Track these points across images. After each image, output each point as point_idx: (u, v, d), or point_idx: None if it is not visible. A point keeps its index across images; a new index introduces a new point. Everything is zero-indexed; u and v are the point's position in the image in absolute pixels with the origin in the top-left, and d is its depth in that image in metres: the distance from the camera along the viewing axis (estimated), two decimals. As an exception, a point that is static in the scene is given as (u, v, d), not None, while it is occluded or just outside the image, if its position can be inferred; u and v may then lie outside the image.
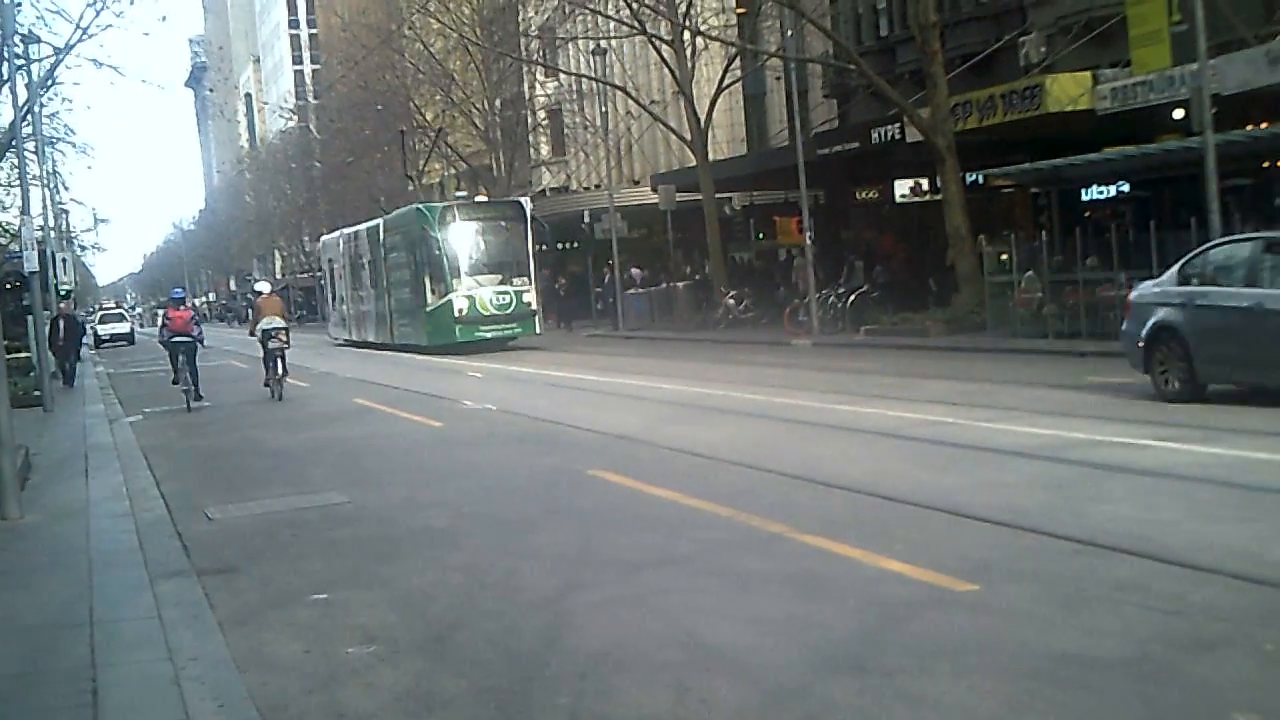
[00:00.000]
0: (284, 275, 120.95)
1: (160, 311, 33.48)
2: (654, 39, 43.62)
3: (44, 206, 48.14)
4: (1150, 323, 16.91)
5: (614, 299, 46.95)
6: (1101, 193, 30.81)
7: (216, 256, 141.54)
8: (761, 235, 51.91)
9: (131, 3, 75.83)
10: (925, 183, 39.12)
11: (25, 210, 28.54)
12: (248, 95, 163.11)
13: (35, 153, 41.06)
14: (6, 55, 30.07)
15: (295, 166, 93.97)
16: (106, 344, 75.92)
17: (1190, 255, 17.31)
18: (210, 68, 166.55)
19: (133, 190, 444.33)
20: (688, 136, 43.71)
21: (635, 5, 42.44)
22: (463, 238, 39.67)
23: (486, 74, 57.70)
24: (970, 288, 30.39)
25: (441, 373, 32.00)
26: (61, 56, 33.20)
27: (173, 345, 26.03)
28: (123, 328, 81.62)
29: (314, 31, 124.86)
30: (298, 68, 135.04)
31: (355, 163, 72.50)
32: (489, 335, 39.11)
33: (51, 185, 50.46)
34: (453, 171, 63.59)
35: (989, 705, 6.19)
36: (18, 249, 28.00)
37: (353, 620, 8.53)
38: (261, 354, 26.99)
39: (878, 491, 11.49)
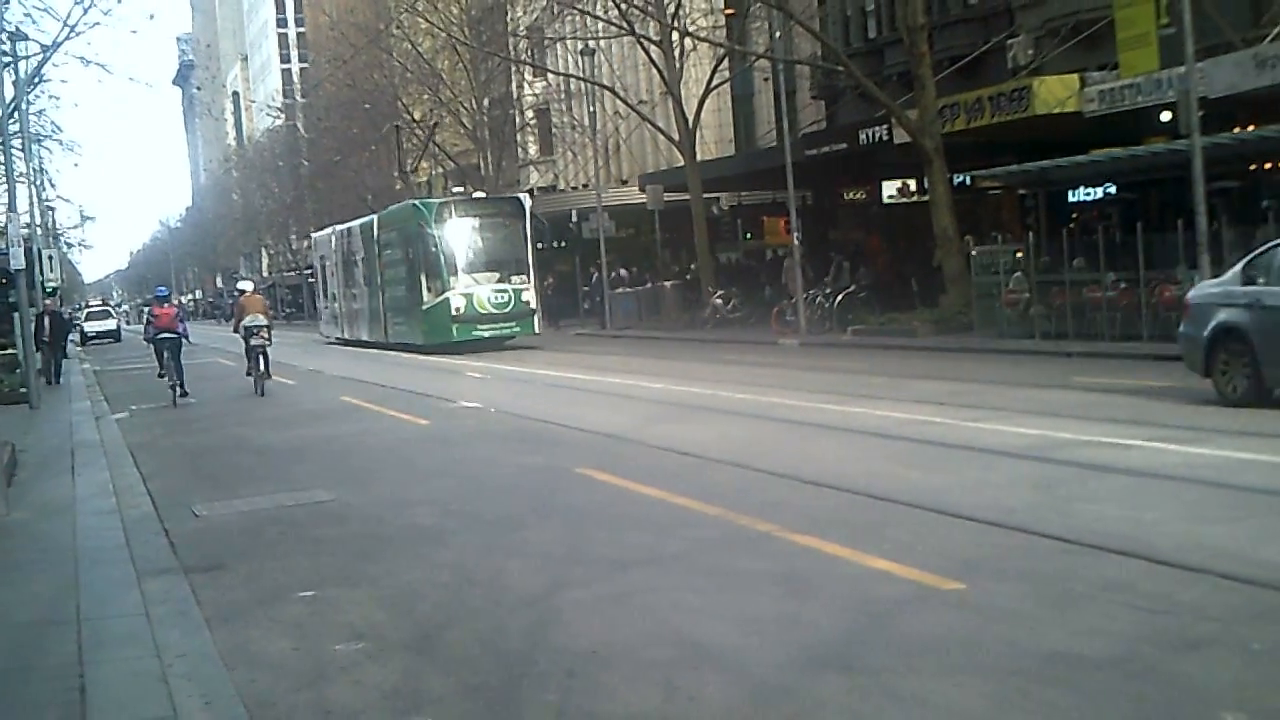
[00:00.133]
0: (271, 273, 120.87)
1: (146, 309, 33.50)
2: (642, 39, 43.63)
3: (30, 203, 48.08)
4: (1212, 324, 16.23)
5: (601, 298, 46.91)
6: (1089, 194, 30.87)
7: (203, 254, 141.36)
8: (749, 235, 51.96)
9: (120, 1, 75.47)
10: (913, 184, 39.21)
11: (11, 207, 28.53)
12: (235, 93, 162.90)
13: (22, 150, 40.99)
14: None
15: (283, 165, 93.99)
16: (93, 341, 75.78)
17: (1254, 254, 16.65)
18: (198, 66, 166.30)
19: (120, 188, 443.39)
20: (676, 137, 43.70)
21: (624, 6, 42.43)
22: (460, 234, 38.85)
23: (475, 73, 57.64)
24: (957, 288, 30.44)
25: (431, 371, 31.96)
26: (49, 54, 33.12)
27: (158, 342, 26.67)
28: (109, 325, 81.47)
29: (302, 30, 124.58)
30: (285, 66, 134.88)
31: (342, 161, 72.49)
32: (486, 334, 38.35)
33: (38, 182, 50.48)
34: (441, 170, 63.50)
35: (976, 704, 6.20)
36: (4, 246, 27.98)
37: (340, 618, 8.52)
38: (244, 350, 27.69)
39: (866, 490, 11.51)
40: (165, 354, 26.53)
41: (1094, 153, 27.93)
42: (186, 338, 27.46)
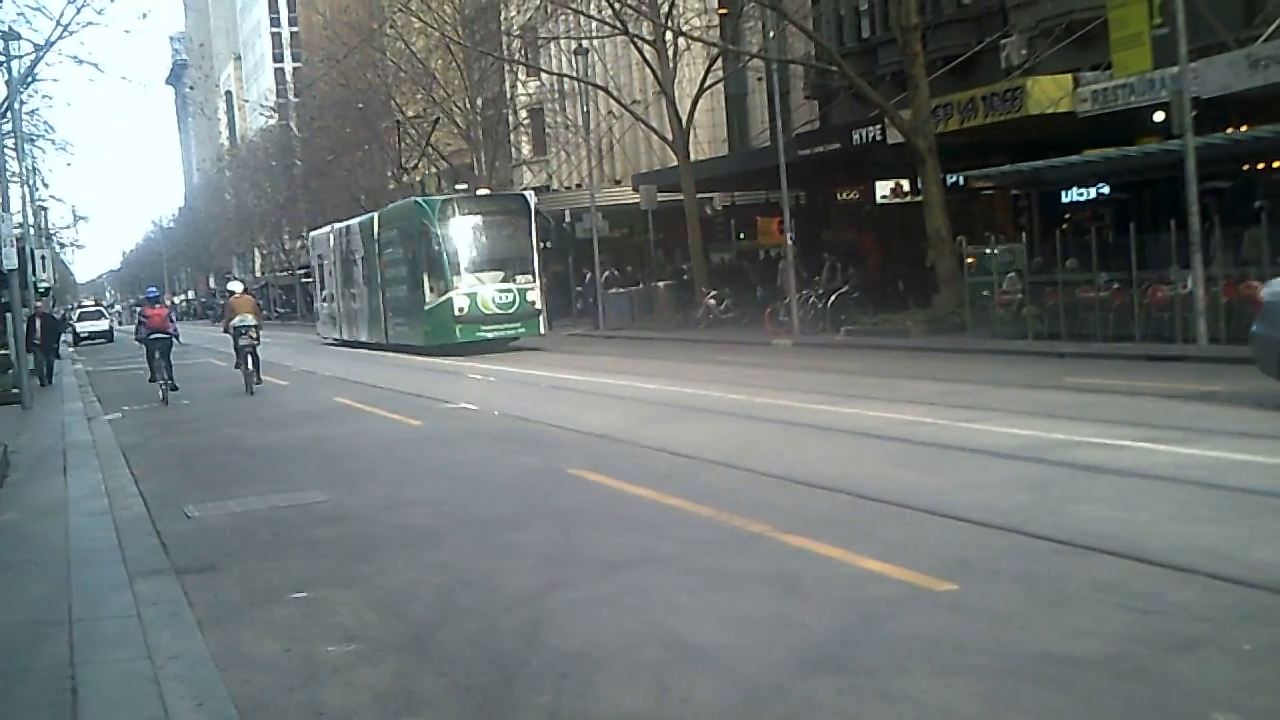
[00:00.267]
0: (264, 273, 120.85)
1: (138, 310, 33.62)
2: (636, 39, 43.62)
3: (23, 203, 48.10)
4: None
5: (594, 298, 46.89)
6: (1081, 195, 30.91)
7: (196, 254, 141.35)
8: (743, 235, 51.95)
9: (112, 0, 75.43)
10: (906, 184, 39.21)
11: (4, 207, 28.59)
12: (228, 93, 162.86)
13: (14, 149, 40.97)
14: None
15: (276, 164, 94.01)
16: (85, 341, 75.70)
17: None
18: (191, 65, 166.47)
19: (112, 187, 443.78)
20: (669, 136, 43.69)
21: (617, 5, 42.43)
22: (464, 232, 37.92)
23: (468, 73, 57.67)
24: (950, 288, 30.46)
25: (427, 372, 31.94)
26: (42, 53, 33.03)
27: (150, 342, 27.17)
28: (101, 325, 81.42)
29: (295, 29, 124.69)
30: (279, 65, 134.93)
31: (336, 161, 72.53)
32: (490, 336, 37.45)
33: (30, 182, 50.41)
34: (434, 170, 63.54)
35: (968, 704, 6.21)
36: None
37: (333, 619, 8.52)
38: (234, 349, 28.11)
39: (858, 491, 11.51)
40: (156, 353, 27.13)
41: (1087, 153, 27.95)
42: (177, 337, 28.08)
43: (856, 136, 34.60)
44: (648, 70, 45.86)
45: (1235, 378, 18.49)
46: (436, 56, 59.85)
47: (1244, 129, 25.21)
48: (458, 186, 43.70)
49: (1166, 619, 7.31)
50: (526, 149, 67.13)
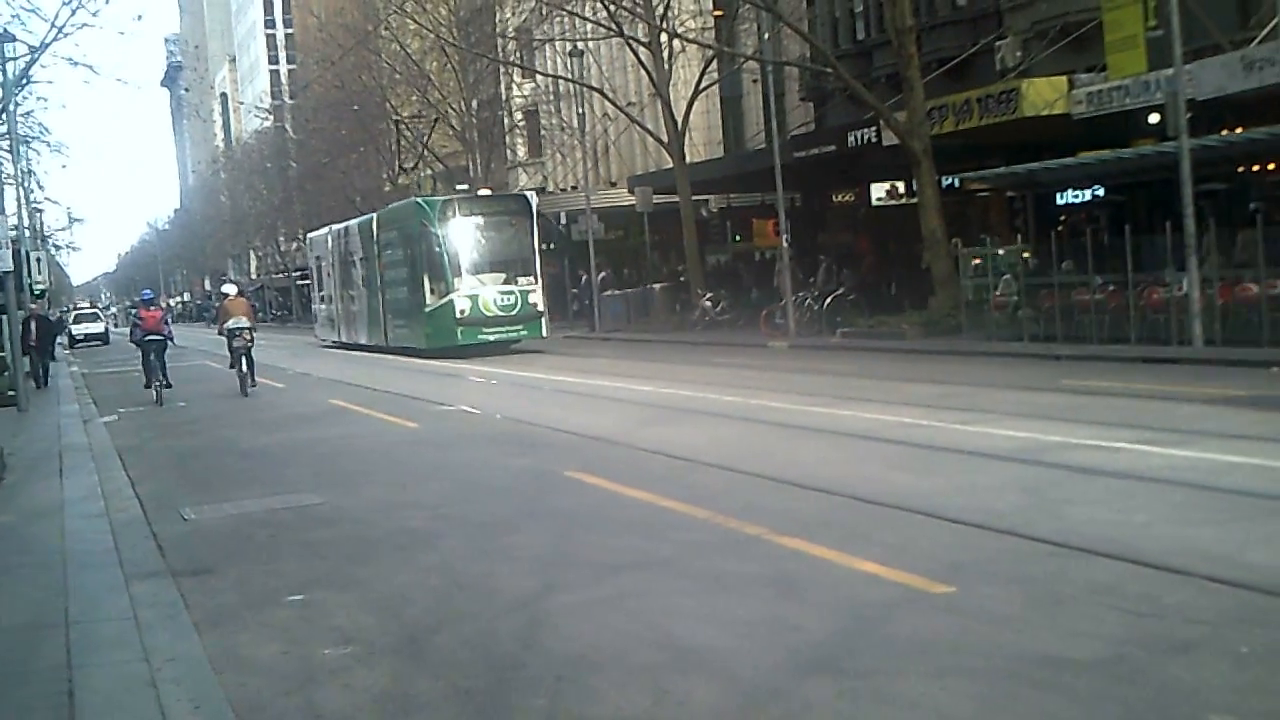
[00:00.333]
0: (259, 275, 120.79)
1: (133, 312, 33.73)
2: (631, 41, 43.61)
3: (18, 205, 48.00)
4: None
5: (590, 300, 46.88)
6: (1077, 197, 30.94)
7: (191, 256, 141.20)
8: (738, 238, 51.95)
9: (107, 2, 75.58)
10: (901, 186, 39.22)
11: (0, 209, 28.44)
12: (223, 95, 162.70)
13: (9, 151, 40.92)
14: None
15: (271, 166, 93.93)
16: (81, 344, 75.63)
17: None
18: (186, 67, 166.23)
19: (108, 189, 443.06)
20: (665, 138, 43.67)
21: (612, 7, 42.38)
22: (465, 233, 37.20)
23: (463, 75, 57.63)
24: (946, 291, 30.46)
25: (423, 375, 31.91)
26: (37, 55, 33.04)
27: (145, 344, 27.61)
28: (97, 328, 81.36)
29: (290, 31, 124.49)
30: (274, 67, 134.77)
31: (331, 163, 72.47)
32: (492, 338, 36.74)
33: (26, 184, 50.36)
34: (429, 172, 63.58)
35: (965, 706, 6.22)
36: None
37: (330, 621, 8.52)
38: (228, 350, 28.73)
39: (854, 493, 11.52)
40: (151, 355, 27.49)
41: (1082, 155, 27.99)
42: (171, 339, 28.59)
43: (852, 138, 34.62)
44: (643, 72, 45.88)
45: (1231, 380, 18.55)
46: (432, 58, 59.86)
47: (1239, 131, 25.23)
48: (458, 187, 43.29)
49: (1163, 621, 7.32)
50: (522, 151, 67.09)
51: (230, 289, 32.80)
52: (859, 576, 8.70)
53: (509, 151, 65.30)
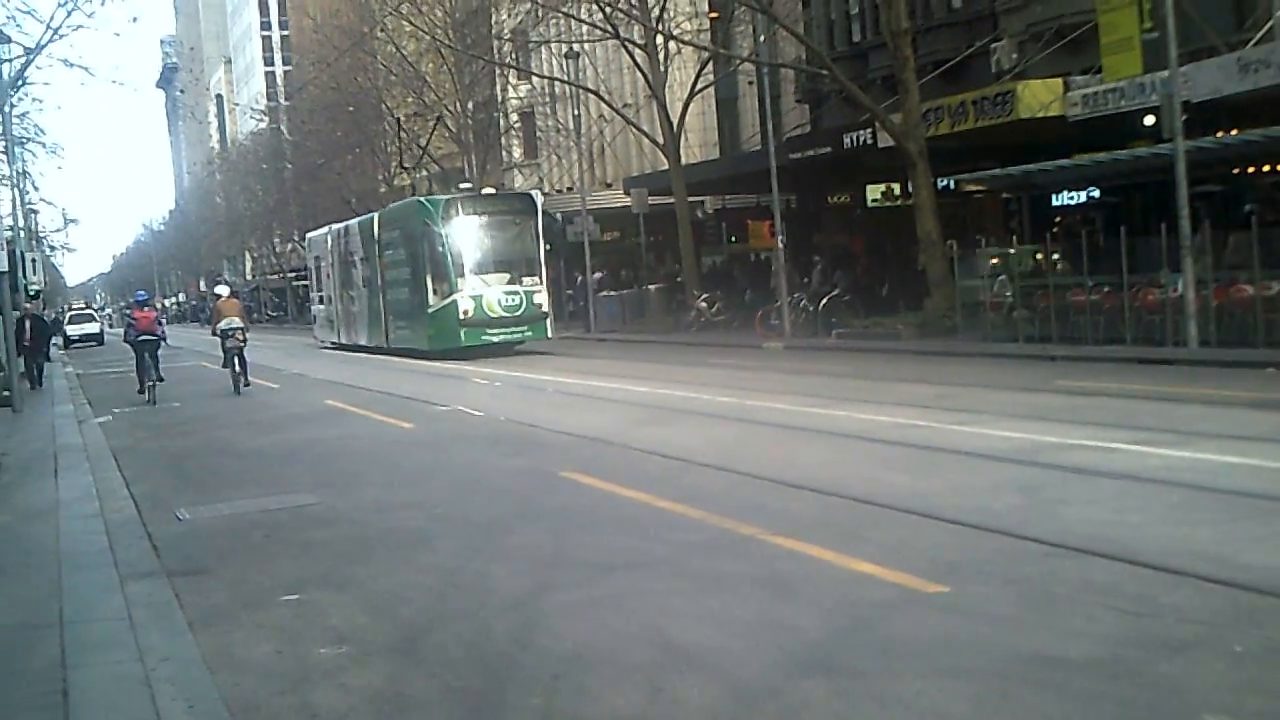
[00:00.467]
0: (255, 276, 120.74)
1: (127, 313, 33.83)
2: (627, 43, 43.61)
3: (13, 206, 48.08)
4: None
5: (585, 301, 46.86)
6: (1072, 198, 30.96)
7: (186, 257, 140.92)
8: (734, 239, 51.97)
9: (103, 3, 75.42)
10: (897, 188, 39.25)
11: (-6, 210, 28.45)
12: (219, 96, 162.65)
13: (5, 152, 40.92)
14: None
15: (266, 168, 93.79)
16: (76, 344, 75.54)
17: None
18: (181, 68, 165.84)
19: (103, 190, 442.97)
20: (660, 140, 43.67)
21: (608, 9, 42.41)
22: (468, 233, 36.37)
23: (459, 76, 57.60)
24: (941, 292, 30.46)
25: (421, 376, 31.87)
26: (32, 57, 33.03)
27: (138, 344, 27.97)
28: (92, 328, 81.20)
29: (286, 33, 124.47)
30: (269, 69, 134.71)
31: (326, 164, 72.39)
32: (496, 339, 36.01)
33: (21, 185, 50.39)
34: (425, 173, 63.59)
35: (960, 706, 6.21)
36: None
37: (324, 621, 8.52)
38: (221, 350, 28.98)
39: (849, 494, 11.52)
40: (145, 355, 27.81)
41: (1077, 157, 28.01)
42: (164, 340, 29.12)
43: (847, 140, 34.64)
44: (639, 74, 45.91)
45: (1226, 381, 18.58)
46: (427, 60, 59.82)
47: (1234, 133, 25.25)
48: (461, 186, 42.93)
49: (1158, 621, 7.32)
50: (518, 152, 67.08)
51: (223, 290, 33.04)
52: (854, 576, 8.70)
53: (504, 153, 65.30)
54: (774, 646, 7.29)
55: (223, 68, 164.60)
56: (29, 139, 44.69)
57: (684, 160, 44.28)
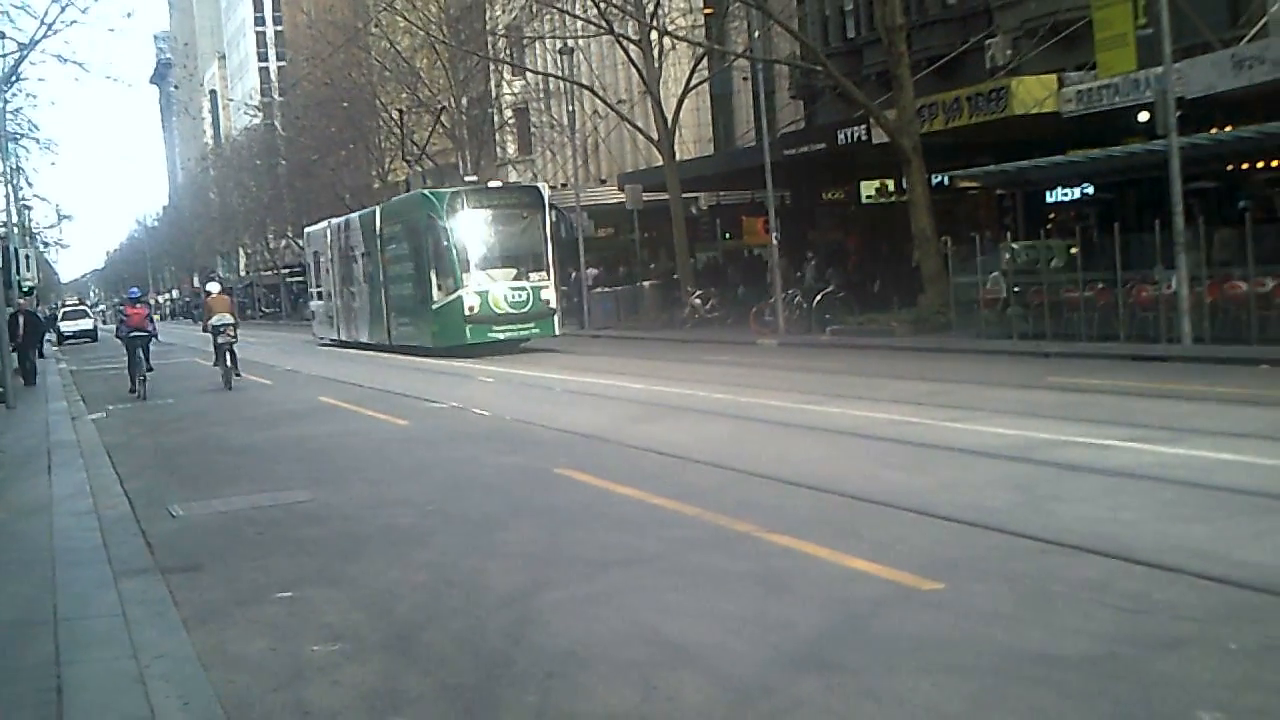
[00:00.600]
0: (249, 273, 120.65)
1: (120, 309, 33.85)
2: (621, 39, 43.57)
3: (6, 202, 48.02)
4: None
5: (580, 298, 46.85)
6: (1066, 195, 31.00)
7: (180, 253, 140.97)
8: (728, 235, 51.96)
9: (96, -1, 75.12)
10: (891, 184, 39.26)
11: (-12, 206, 28.46)
12: (213, 92, 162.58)
13: (-2, 148, 40.83)
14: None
15: (260, 164, 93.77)
16: (69, 340, 75.45)
17: None
18: (175, 64, 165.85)
19: (97, 186, 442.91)
20: (655, 136, 43.62)
21: (603, 5, 42.37)
22: (474, 227, 35.44)
23: (453, 72, 57.60)
24: (935, 288, 30.48)
25: (418, 372, 31.85)
26: (26, 52, 32.96)
27: (130, 340, 28.21)
28: (85, 325, 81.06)
29: (280, 29, 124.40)
30: (263, 65, 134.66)
31: (320, 160, 72.38)
32: (502, 336, 35.18)
33: (14, 181, 50.30)
34: (419, 170, 63.58)
35: (954, 703, 6.21)
36: (-19, 245, 27.90)
37: (318, 618, 8.51)
38: (213, 346, 29.56)
39: (844, 491, 11.52)
40: (138, 350, 28.18)
41: (1071, 153, 28.01)
42: (155, 336, 29.17)
43: (842, 136, 34.62)
44: (633, 70, 45.86)
45: (1220, 377, 18.60)
46: (422, 56, 59.77)
47: (1228, 129, 25.26)
48: (466, 179, 42.45)
49: (1152, 618, 7.32)
50: (512, 148, 67.09)
51: (214, 287, 33.28)
52: (849, 573, 8.70)
53: (499, 149, 65.27)
54: (768, 643, 7.29)
55: (217, 63, 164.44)
56: (23, 135, 44.70)
57: (678, 156, 44.27)
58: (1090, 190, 30.16)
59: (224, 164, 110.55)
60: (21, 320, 34.69)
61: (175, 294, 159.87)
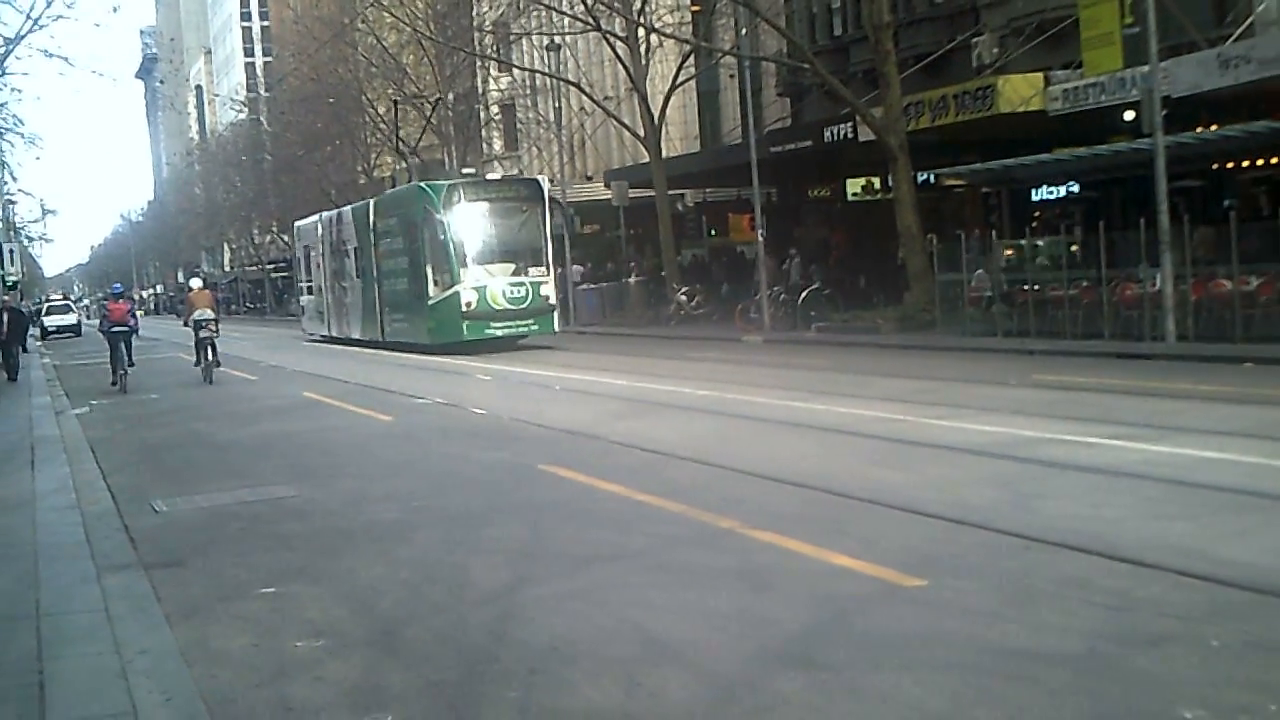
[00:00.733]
0: (234, 268, 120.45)
1: (104, 304, 33.86)
2: (608, 35, 43.54)
3: (-9, 197, 47.76)
4: None
5: (565, 294, 46.79)
6: (1052, 193, 31.05)
7: (165, 248, 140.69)
8: (714, 232, 51.99)
9: (82, -7, 75.09)
10: (877, 181, 39.31)
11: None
12: (198, 87, 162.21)
13: (-18, 143, 40.69)
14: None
15: (246, 159, 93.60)
16: (53, 335, 75.27)
17: None
18: (161, 59, 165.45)
19: (81, 181, 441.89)
20: (641, 133, 43.58)
21: (590, 2, 42.31)
22: (472, 220, 34.44)
23: (440, 68, 57.50)
24: (921, 286, 30.51)
25: (402, 369, 31.79)
26: (11, 47, 32.90)
27: (112, 335, 28.56)
28: (69, 319, 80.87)
29: (266, 24, 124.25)
30: (249, 60, 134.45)
31: (306, 156, 72.25)
32: (500, 333, 34.34)
33: (-1, 176, 50.13)
34: (404, 165, 63.46)
35: (936, 700, 6.22)
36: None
37: (301, 614, 8.49)
38: (194, 342, 29.77)
39: (828, 487, 11.52)
40: (120, 345, 28.50)
41: (1057, 151, 28.07)
42: (137, 331, 29.69)
43: (828, 134, 34.65)
44: (620, 67, 45.87)
45: (1204, 375, 18.65)
46: (408, 52, 59.69)
47: (1214, 128, 25.33)
48: (464, 171, 41.88)
49: (1135, 615, 7.33)
50: (498, 144, 66.97)
51: (196, 283, 33.22)
52: (832, 570, 8.70)
53: (485, 145, 65.18)
54: (752, 640, 7.29)
55: (203, 58, 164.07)
56: (7, 130, 44.48)
57: (665, 153, 44.22)
58: (1076, 188, 30.22)
59: (209, 159, 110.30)
60: (5, 315, 34.62)
61: (160, 289, 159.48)
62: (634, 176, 46.01)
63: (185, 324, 30.22)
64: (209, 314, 29.27)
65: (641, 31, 42.37)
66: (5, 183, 55.49)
